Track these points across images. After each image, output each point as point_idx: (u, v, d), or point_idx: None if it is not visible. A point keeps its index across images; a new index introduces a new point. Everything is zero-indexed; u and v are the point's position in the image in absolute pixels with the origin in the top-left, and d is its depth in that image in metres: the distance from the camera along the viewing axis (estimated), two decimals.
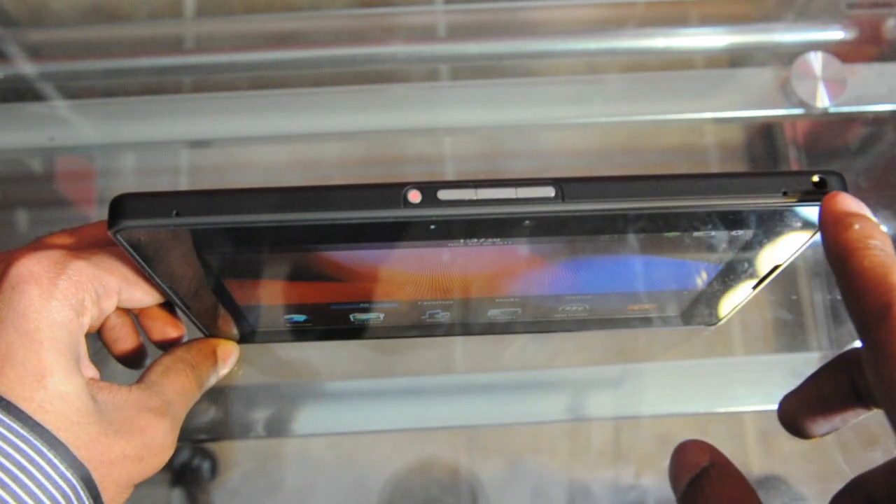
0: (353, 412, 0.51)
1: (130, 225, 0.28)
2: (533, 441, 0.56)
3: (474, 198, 0.28)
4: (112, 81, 0.62)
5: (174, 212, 0.28)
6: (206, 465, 0.54)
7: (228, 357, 0.40)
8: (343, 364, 0.57)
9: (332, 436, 0.55)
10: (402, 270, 0.36)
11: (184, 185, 0.63)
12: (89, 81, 0.62)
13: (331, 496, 0.54)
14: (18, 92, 0.61)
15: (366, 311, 0.42)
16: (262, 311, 0.40)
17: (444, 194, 0.28)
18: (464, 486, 0.54)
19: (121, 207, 0.28)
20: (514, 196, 0.29)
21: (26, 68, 0.61)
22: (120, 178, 0.63)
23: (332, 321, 0.42)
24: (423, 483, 0.54)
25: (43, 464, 0.30)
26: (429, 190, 0.28)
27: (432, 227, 0.30)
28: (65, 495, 0.30)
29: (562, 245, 0.34)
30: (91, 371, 0.35)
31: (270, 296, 0.38)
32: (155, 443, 0.33)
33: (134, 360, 0.39)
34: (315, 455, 0.56)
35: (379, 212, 0.28)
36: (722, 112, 0.59)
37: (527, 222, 0.30)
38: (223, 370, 0.40)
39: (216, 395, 0.51)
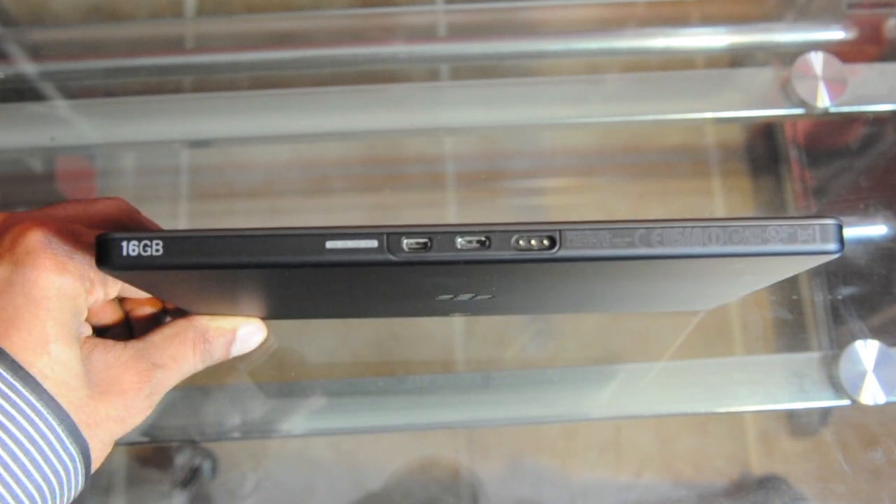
0: (353, 412, 0.51)
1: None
2: (533, 441, 0.56)
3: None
4: (112, 81, 0.62)
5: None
6: (206, 465, 0.54)
7: (251, 338, 0.39)
8: (343, 364, 0.57)
9: (332, 436, 0.55)
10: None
11: (184, 184, 0.63)
12: (89, 81, 0.62)
13: (331, 496, 0.54)
14: (18, 92, 0.61)
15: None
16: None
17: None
18: (464, 486, 0.54)
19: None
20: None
21: (26, 68, 0.61)
22: (120, 178, 0.63)
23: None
24: (423, 483, 0.54)
25: (52, 439, 0.30)
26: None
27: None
28: (66, 469, 0.31)
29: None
30: (87, 329, 0.35)
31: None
32: (134, 405, 0.34)
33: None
34: (315, 455, 0.56)
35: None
36: (722, 112, 0.59)
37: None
38: (242, 350, 0.39)
39: (216, 394, 0.51)
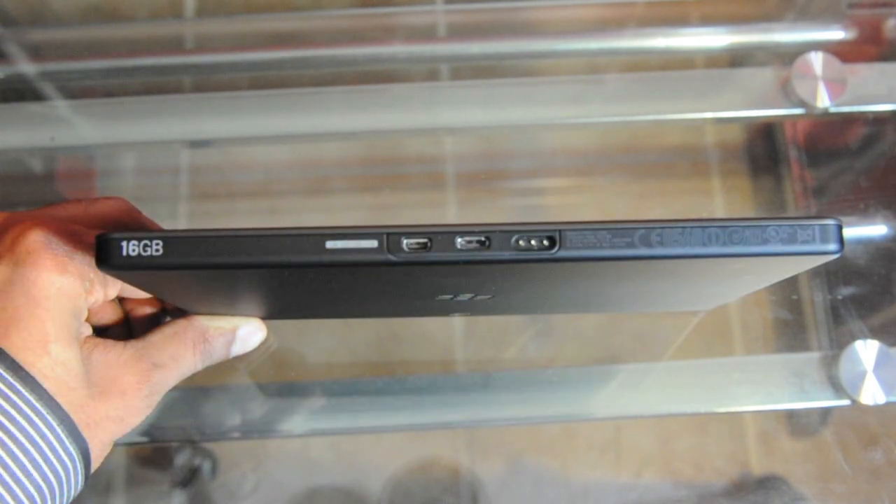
0: (353, 412, 0.51)
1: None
2: (533, 441, 0.56)
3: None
4: (112, 81, 0.62)
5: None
6: (206, 465, 0.54)
7: (251, 338, 0.39)
8: (343, 364, 0.57)
9: (332, 436, 0.55)
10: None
11: (184, 184, 0.63)
12: (89, 81, 0.62)
13: (331, 496, 0.54)
14: (18, 92, 0.61)
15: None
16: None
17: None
18: (464, 486, 0.54)
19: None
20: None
21: (26, 68, 0.61)
22: (120, 178, 0.63)
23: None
24: (423, 483, 0.54)
25: (52, 439, 0.30)
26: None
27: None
28: (65, 469, 0.31)
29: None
30: (87, 329, 0.35)
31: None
32: (133, 405, 0.34)
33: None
34: (315, 455, 0.56)
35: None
36: (722, 112, 0.59)
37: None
38: (242, 350, 0.39)
39: (216, 395, 0.51)
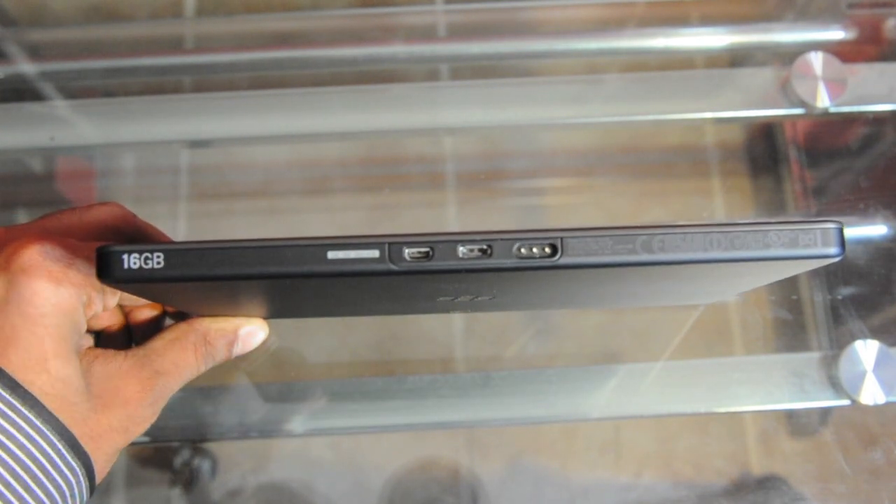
0: (353, 412, 0.51)
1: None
2: (533, 441, 0.56)
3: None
4: (112, 81, 0.62)
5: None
6: (206, 465, 0.54)
7: (252, 338, 0.39)
8: (343, 364, 0.57)
9: (332, 436, 0.55)
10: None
11: (183, 184, 0.63)
12: (89, 81, 0.62)
13: (331, 496, 0.54)
14: (18, 92, 0.61)
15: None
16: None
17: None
18: (464, 486, 0.54)
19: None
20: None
21: (26, 68, 0.61)
22: (120, 178, 0.63)
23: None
24: (423, 483, 0.54)
25: (53, 455, 0.30)
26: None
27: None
28: (68, 483, 0.31)
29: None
30: (87, 341, 0.35)
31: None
32: (137, 414, 0.34)
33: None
34: (315, 455, 0.56)
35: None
36: (722, 112, 0.59)
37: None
38: (244, 350, 0.39)
39: (216, 395, 0.51)
